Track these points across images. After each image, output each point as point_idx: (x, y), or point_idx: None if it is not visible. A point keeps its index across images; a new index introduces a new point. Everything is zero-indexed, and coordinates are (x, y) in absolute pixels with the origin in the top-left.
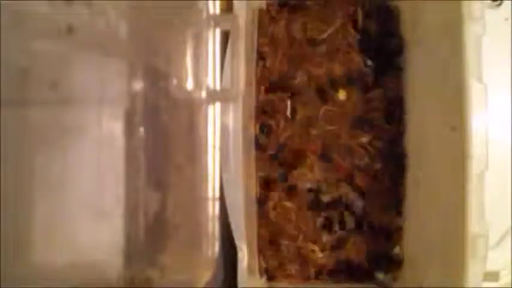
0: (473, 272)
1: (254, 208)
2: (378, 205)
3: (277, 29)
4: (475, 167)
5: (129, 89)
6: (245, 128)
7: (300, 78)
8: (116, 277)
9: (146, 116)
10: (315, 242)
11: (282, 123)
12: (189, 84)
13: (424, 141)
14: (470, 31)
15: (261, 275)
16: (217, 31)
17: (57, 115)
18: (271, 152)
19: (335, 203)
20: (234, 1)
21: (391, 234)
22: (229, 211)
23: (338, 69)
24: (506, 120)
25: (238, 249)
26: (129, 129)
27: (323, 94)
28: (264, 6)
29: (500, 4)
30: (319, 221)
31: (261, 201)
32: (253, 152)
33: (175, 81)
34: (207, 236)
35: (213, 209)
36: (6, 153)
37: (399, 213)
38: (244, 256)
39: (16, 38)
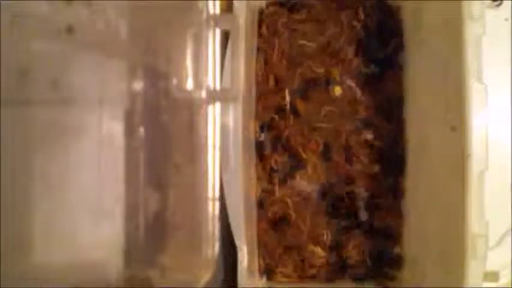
0: (473, 272)
1: (254, 208)
2: (377, 205)
3: (277, 29)
4: (475, 167)
5: (129, 89)
6: (245, 128)
7: (300, 78)
8: (116, 277)
9: (146, 116)
10: (315, 242)
11: (281, 123)
12: (189, 84)
13: (424, 141)
14: (470, 31)
15: (261, 275)
16: (217, 31)
17: (57, 115)
18: (271, 151)
19: (335, 203)
20: (234, 1)
21: (391, 234)
22: (229, 211)
23: (338, 69)
24: (506, 120)
25: (238, 249)
26: (129, 129)
27: (323, 94)
28: (264, 6)
29: (500, 4)
30: (319, 220)
31: (261, 201)
32: (253, 152)
33: (175, 81)
34: (207, 236)
35: (213, 209)
36: (6, 153)
37: (399, 213)
38: (244, 256)
39: (16, 38)
